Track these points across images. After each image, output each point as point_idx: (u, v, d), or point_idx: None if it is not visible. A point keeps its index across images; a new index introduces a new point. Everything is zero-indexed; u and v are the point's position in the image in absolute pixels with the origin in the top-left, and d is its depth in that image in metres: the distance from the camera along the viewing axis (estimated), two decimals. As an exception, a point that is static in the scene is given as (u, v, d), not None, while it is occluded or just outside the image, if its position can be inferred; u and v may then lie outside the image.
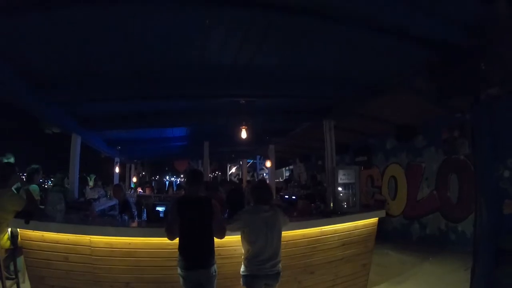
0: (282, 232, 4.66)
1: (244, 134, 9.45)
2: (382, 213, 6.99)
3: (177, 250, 4.38)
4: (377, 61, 5.79)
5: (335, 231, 6.11)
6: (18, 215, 5.33)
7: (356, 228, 6.43)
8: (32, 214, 5.31)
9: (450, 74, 4.93)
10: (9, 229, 5.56)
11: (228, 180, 19.82)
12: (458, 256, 8.10)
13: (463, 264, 6.91)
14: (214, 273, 4.36)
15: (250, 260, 4.43)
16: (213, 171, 28.01)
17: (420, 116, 9.61)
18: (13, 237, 5.64)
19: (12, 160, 7.82)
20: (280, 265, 4.54)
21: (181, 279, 4.32)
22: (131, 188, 17.71)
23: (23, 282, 5.93)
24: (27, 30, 4.42)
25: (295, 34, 4.87)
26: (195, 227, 4.36)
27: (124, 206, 7.32)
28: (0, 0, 3.74)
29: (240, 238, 4.57)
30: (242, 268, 4.50)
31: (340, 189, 7.02)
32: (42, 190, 9.28)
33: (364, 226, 6.59)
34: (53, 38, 4.69)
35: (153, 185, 20.47)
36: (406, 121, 10.46)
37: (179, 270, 4.32)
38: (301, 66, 6.06)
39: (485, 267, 4.50)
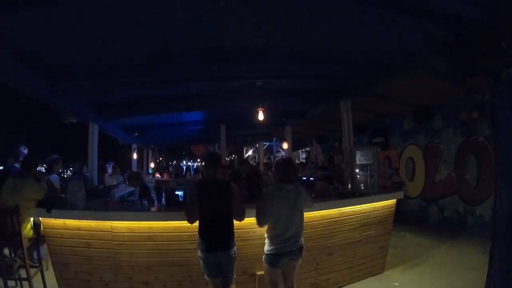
0: (301, 213, 4.68)
1: (261, 116, 9.44)
2: (400, 195, 6.91)
3: (196, 233, 4.42)
4: (395, 40, 5.73)
5: (354, 213, 6.12)
6: (39, 204, 5.47)
7: (374, 209, 6.42)
8: (53, 203, 5.42)
9: (469, 53, 4.85)
10: (32, 218, 5.70)
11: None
12: (475, 240, 8.04)
13: (480, 248, 6.86)
14: (234, 255, 4.41)
15: (273, 238, 4.48)
16: (229, 154, 28.07)
17: (438, 96, 9.44)
18: (36, 226, 5.79)
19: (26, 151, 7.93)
20: (302, 239, 4.59)
21: (201, 262, 4.38)
22: (149, 173, 17.84)
23: (47, 269, 6.02)
24: (40, 21, 4.45)
25: (311, 14, 4.82)
26: (214, 210, 4.40)
27: (144, 191, 7.40)
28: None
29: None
30: (266, 247, 4.56)
31: (357, 170, 6.99)
32: (62, 179, 9.42)
33: (382, 207, 6.58)
34: (66, 27, 4.72)
35: (170, 170, 20.56)
36: (424, 102, 10.30)
37: (199, 253, 4.37)
38: (318, 46, 6.01)
39: (504, 252, 4.43)
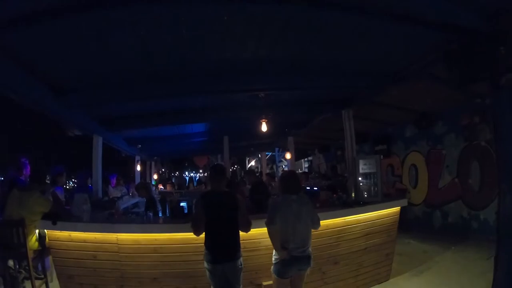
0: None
1: (264, 127, 9.49)
2: (404, 202, 6.94)
3: (202, 244, 4.44)
4: (396, 48, 5.73)
5: (358, 221, 6.14)
6: (45, 216, 5.50)
7: (378, 217, 6.44)
8: (59, 215, 5.46)
9: (469, 59, 4.87)
10: (37, 231, 5.71)
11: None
12: (480, 245, 8.04)
13: (486, 253, 6.86)
14: (240, 266, 4.42)
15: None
16: (231, 165, 28.08)
17: (439, 102, 9.43)
18: (41, 238, 5.81)
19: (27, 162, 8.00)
20: (310, 249, 4.63)
21: (207, 273, 4.39)
22: (152, 185, 17.89)
23: (51, 281, 6.06)
24: (44, 38, 4.49)
25: (313, 25, 4.83)
26: (220, 222, 4.42)
27: (150, 203, 7.42)
28: (19, 10, 3.84)
29: (265, 231, 4.62)
30: (274, 256, 4.61)
31: (360, 179, 6.99)
32: (65, 190, 9.44)
33: (387, 215, 6.59)
34: (70, 43, 4.77)
35: (173, 181, 20.59)
36: (426, 108, 10.29)
37: (205, 264, 4.39)
38: (319, 56, 6.00)
39: (509, 256, 4.44)
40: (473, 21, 4.51)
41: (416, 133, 11.62)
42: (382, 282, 6.56)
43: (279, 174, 20.03)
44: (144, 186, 8.24)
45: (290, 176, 5.07)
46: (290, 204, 4.58)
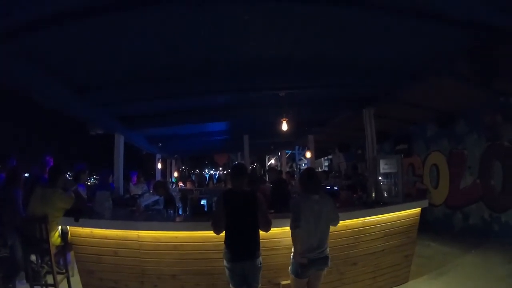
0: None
1: (284, 126, 9.47)
2: (425, 203, 6.81)
3: (222, 242, 4.47)
4: (418, 46, 5.66)
5: (377, 222, 6.08)
6: (67, 213, 5.62)
7: (398, 218, 6.35)
8: (81, 212, 5.58)
9: (493, 56, 4.83)
10: (60, 227, 5.83)
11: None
12: (501, 248, 7.93)
13: (506, 257, 6.74)
14: (259, 265, 4.44)
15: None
16: (251, 163, 28.14)
17: (462, 101, 9.23)
18: (63, 234, 5.93)
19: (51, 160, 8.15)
20: (328, 249, 4.61)
21: (227, 271, 4.42)
22: (172, 182, 17.99)
23: (72, 276, 6.18)
24: (67, 38, 4.58)
25: (334, 23, 4.82)
26: (240, 220, 4.44)
27: (169, 201, 7.49)
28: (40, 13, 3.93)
29: (285, 230, 4.63)
30: (292, 256, 4.60)
31: (380, 178, 6.93)
32: (86, 187, 9.59)
33: (407, 216, 6.51)
34: (92, 44, 4.86)
35: (193, 179, 20.75)
36: (448, 107, 10.11)
37: (225, 262, 4.42)
38: (341, 54, 5.97)
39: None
40: (497, 18, 4.46)
41: (438, 133, 11.48)
42: (400, 284, 6.47)
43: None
44: (162, 185, 8.32)
45: (309, 174, 4.93)
46: (312, 205, 4.54)
